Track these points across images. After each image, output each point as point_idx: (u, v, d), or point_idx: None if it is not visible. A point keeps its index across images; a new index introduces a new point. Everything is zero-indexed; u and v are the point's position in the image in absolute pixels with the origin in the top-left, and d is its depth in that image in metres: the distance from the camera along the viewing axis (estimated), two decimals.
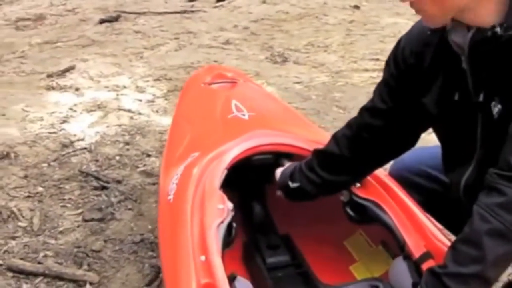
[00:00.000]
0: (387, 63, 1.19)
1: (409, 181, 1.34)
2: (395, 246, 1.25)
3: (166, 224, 1.35)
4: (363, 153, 1.25)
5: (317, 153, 1.32)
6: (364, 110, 1.25)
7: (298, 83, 3.19)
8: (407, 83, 1.13)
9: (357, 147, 1.25)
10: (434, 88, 1.08)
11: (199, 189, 1.30)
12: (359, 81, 3.15)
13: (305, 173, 1.32)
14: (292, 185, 1.33)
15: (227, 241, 1.18)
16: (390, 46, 1.19)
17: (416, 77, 1.11)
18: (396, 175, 1.36)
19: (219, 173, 1.34)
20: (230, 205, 1.23)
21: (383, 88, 1.20)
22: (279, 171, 1.41)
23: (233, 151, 1.44)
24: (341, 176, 1.29)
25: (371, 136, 1.23)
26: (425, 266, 1.08)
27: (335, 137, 1.30)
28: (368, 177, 1.34)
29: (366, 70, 3.37)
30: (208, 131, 1.70)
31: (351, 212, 1.34)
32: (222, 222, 1.17)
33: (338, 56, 3.67)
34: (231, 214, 1.21)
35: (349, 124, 1.29)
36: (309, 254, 1.54)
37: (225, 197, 1.23)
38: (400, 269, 1.14)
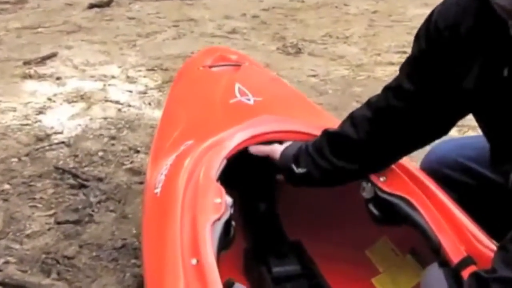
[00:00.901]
0: (417, 36, 1.14)
1: (442, 175, 1.31)
2: (427, 254, 1.22)
3: (151, 221, 1.33)
4: (384, 138, 1.21)
5: (328, 135, 1.29)
6: (387, 89, 1.21)
7: (313, 76, 3.19)
8: (441, 61, 1.09)
9: (377, 131, 1.21)
10: (475, 65, 1.03)
11: (192, 180, 1.28)
12: (382, 75, 3.15)
13: (313, 158, 1.28)
14: (297, 170, 1.30)
15: (224, 242, 1.15)
16: None
17: (452, 53, 1.07)
18: (427, 168, 1.33)
19: (217, 163, 1.32)
20: (229, 200, 1.20)
21: (411, 65, 1.17)
22: (278, 150, 1.36)
23: (235, 138, 1.42)
24: (356, 164, 1.25)
25: (395, 120, 1.19)
26: (466, 274, 1.03)
27: (352, 117, 1.27)
28: (396, 169, 1.29)
29: (391, 63, 3.37)
30: (206, 118, 1.69)
31: (375, 211, 1.29)
32: (218, 219, 1.14)
33: (359, 48, 3.67)
34: (230, 210, 1.19)
35: (369, 104, 1.25)
36: (324, 263, 1.53)
37: (223, 190, 1.21)
38: (435, 278, 1.09)
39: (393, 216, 1.27)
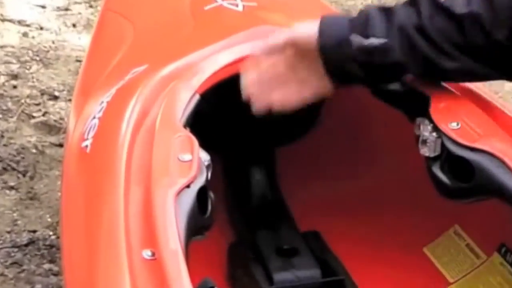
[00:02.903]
0: None
1: None
2: None
3: (77, 195, 1.34)
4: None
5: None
6: None
7: None
8: None
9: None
10: None
11: (144, 126, 1.31)
12: None
13: (401, 27, 1.28)
14: (370, 41, 1.27)
15: (198, 223, 1.16)
16: None
17: None
18: None
19: (185, 100, 1.34)
20: (204, 156, 1.23)
21: None
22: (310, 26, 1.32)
23: (214, 61, 1.44)
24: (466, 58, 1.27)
25: None
26: None
27: None
28: (477, 110, 1.31)
29: None
30: (167, 32, 1.70)
31: (443, 178, 1.27)
32: (187, 186, 1.14)
33: None
34: (207, 173, 1.20)
35: None
36: (358, 267, 1.57)
37: (195, 141, 1.22)
38: None
39: (473, 184, 1.24)
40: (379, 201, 1.62)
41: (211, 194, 1.22)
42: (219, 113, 1.54)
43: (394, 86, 1.38)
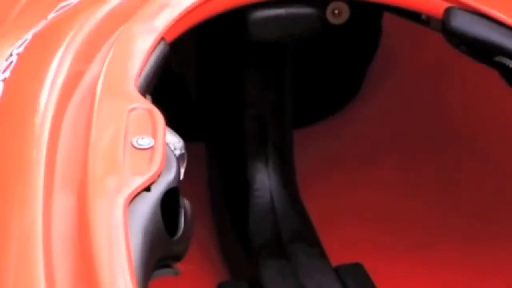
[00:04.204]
0: None
1: None
2: None
3: None
4: None
5: None
6: None
7: None
8: None
9: None
10: None
11: (78, 95, 1.28)
12: None
13: None
14: None
15: (164, 249, 1.13)
16: None
17: None
18: None
19: (143, 50, 1.34)
20: (174, 141, 1.22)
21: None
22: None
23: None
24: None
25: None
26: None
27: None
28: None
29: None
30: None
31: None
32: (146, 188, 1.09)
33: None
34: (177, 168, 1.17)
35: None
36: None
37: (159, 118, 1.19)
38: None
39: None
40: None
41: (186, 202, 1.16)
42: (203, 73, 1.68)
43: None
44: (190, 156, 1.32)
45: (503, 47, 1.46)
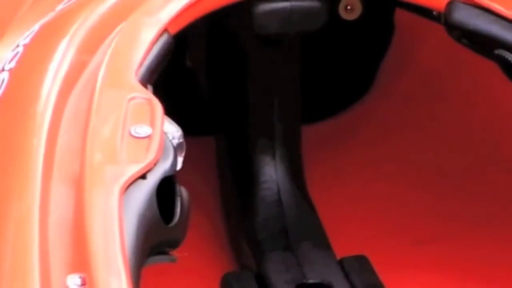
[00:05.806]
0: None
1: None
2: None
3: None
4: None
5: None
6: None
7: None
8: None
9: None
10: None
11: (80, 85, 1.28)
12: None
13: None
14: None
15: (160, 235, 1.12)
16: None
17: None
18: None
19: (145, 42, 1.33)
20: (173, 131, 1.20)
21: None
22: None
23: None
24: None
25: None
26: None
27: None
28: None
29: None
30: None
31: None
32: (142, 176, 1.08)
33: None
34: (174, 157, 1.16)
35: None
36: None
37: (158, 107, 1.19)
38: None
39: None
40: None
41: (183, 190, 1.15)
42: (205, 65, 1.66)
43: None
44: (201, 149, 1.33)
45: (504, 40, 1.46)
